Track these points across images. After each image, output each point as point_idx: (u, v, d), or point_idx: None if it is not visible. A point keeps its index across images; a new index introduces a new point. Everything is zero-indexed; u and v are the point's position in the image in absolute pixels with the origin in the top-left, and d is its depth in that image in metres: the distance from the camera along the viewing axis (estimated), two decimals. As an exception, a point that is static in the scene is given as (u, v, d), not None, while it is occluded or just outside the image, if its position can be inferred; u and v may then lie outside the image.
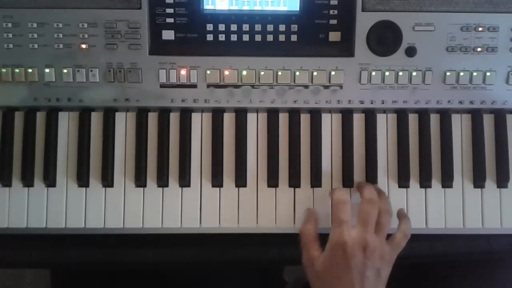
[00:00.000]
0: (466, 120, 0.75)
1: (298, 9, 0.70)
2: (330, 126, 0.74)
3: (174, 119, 0.74)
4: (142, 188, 0.72)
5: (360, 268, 0.62)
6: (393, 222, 0.69)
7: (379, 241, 0.65)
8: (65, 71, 0.70)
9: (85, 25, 0.69)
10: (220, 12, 0.70)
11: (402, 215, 0.71)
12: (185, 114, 0.73)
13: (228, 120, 0.74)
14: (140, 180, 0.72)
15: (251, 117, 0.74)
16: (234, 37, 0.71)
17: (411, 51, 0.71)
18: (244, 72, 0.71)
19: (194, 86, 0.72)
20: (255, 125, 0.74)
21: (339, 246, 0.63)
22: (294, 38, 0.71)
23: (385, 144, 0.74)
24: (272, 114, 0.74)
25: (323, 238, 0.67)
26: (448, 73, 0.72)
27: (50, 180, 0.72)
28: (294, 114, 0.74)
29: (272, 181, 0.73)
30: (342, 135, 0.74)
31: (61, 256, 0.73)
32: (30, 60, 0.70)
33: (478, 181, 0.73)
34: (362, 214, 0.65)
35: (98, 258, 0.73)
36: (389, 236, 0.67)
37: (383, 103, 0.73)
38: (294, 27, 0.71)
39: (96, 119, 0.73)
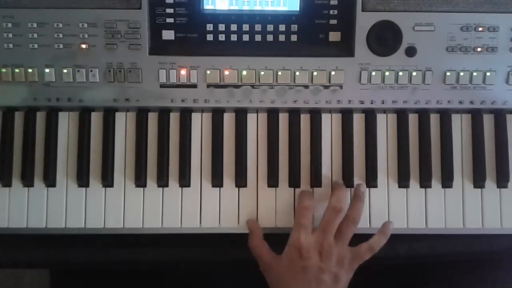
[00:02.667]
0: (466, 120, 0.75)
1: (298, 9, 0.70)
2: (330, 126, 0.74)
3: (174, 119, 0.74)
4: (142, 188, 0.72)
5: (316, 271, 0.65)
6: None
7: (338, 247, 0.67)
8: (65, 71, 0.70)
9: (85, 25, 0.69)
10: (220, 12, 0.70)
11: (382, 229, 0.71)
12: (185, 114, 0.73)
13: (228, 120, 0.74)
14: (140, 180, 0.72)
15: (251, 117, 0.74)
16: (234, 37, 0.71)
17: (411, 51, 0.71)
18: (244, 72, 0.71)
19: (194, 86, 0.72)
20: (255, 125, 0.74)
21: (295, 248, 0.66)
22: (294, 38, 0.71)
23: (385, 144, 0.74)
24: (272, 114, 0.74)
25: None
26: (448, 73, 0.72)
27: (50, 180, 0.72)
28: (294, 114, 0.74)
29: (272, 181, 0.73)
30: (342, 135, 0.74)
31: (61, 256, 0.73)
32: (30, 60, 0.70)
33: (478, 181, 0.73)
34: (323, 220, 0.68)
35: (98, 258, 0.73)
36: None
37: (383, 103, 0.73)
38: (294, 27, 0.71)
39: (96, 119, 0.73)
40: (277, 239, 0.69)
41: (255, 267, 0.70)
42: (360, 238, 0.70)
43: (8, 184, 0.72)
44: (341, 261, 0.66)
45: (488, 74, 0.72)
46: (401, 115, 0.74)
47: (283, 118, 0.74)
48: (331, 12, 0.71)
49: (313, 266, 0.65)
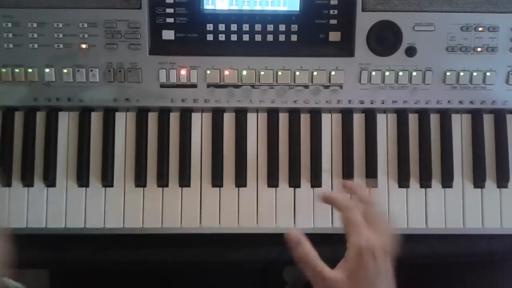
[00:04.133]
0: (466, 120, 0.75)
1: (298, 9, 0.70)
2: (330, 126, 0.74)
3: (174, 119, 0.74)
4: (142, 188, 0.72)
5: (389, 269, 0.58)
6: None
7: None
8: (65, 71, 0.70)
9: (85, 25, 0.69)
10: (220, 12, 0.70)
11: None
12: (185, 114, 0.73)
13: (228, 120, 0.74)
14: (140, 180, 0.72)
15: (251, 117, 0.74)
16: (234, 37, 0.71)
17: (411, 51, 0.71)
18: (244, 72, 0.71)
19: (194, 86, 0.72)
20: (255, 125, 0.74)
21: (368, 250, 0.56)
22: (294, 38, 0.71)
23: (385, 144, 0.74)
24: (272, 114, 0.74)
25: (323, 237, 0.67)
26: (448, 73, 0.72)
27: (50, 180, 0.72)
28: (294, 114, 0.74)
29: (272, 181, 0.73)
30: (342, 135, 0.74)
31: (61, 256, 0.73)
32: (30, 60, 0.70)
33: (478, 181, 0.73)
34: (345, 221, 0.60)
35: (98, 258, 0.73)
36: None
37: (383, 103, 0.73)
38: (294, 27, 0.71)
39: (96, 119, 0.73)
40: (278, 239, 0.69)
41: (255, 267, 0.70)
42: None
43: (8, 184, 0.72)
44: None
45: (488, 74, 0.72)
46: (401, 115, 0.74)
47: (283, 118, 0.74)
48: (331, 12, 0.71)
49: (387, 264, 0.57)
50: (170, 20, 0.70)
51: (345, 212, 0.60)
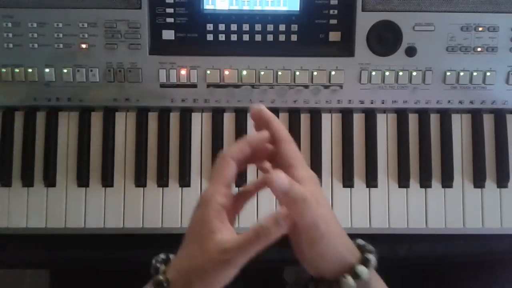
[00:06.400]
0: (466, 120, 0.75)
1: (298, 9, 0.70)
2: (330, 126, 0.74)
3: (174, 119, 0.74)
4: (142, 188, 0.72)
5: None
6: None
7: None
8: (65, 71, 0.70)
9: (85, 25, 0.69)
10: (220, 12, 0.70)
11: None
12: (185, 114, 0.73)
13: (228, 120, 0.74)
14: (140, 180, 0.72)
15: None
16: (234, 37, 0.71)
17: (411, 51, 0.71)
18: (244, 72, 0.71)
19: (194, 86, 0.72)
20: (255, 125, 0.74)
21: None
22: (294, 38, 0.71)
23: (385, 144, 0.74)
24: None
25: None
26: (448, 73, 0.72)
27: (50, 180, 0.72)
28: (294, 114, 0.74)
29: (272, 181, 0.72)
30: (342, 135, 0.74)
31: (61, 256, 0.73)
32: (30, 60, 0.70)
33: (478, 181, 0.73)
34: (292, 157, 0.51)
35: (98, 258, 0.73)
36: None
37: (383, 103, 0.73)
38: (294, 27, 0.71)
39: (96, 119, 0.73)
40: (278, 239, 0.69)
41: (255, 267, 0.70)
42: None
43: (8, 184, 0.72)
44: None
45: (488, 74, 0.72)
46: (401, 115, 0.74)
47: (283, 118, 0.74)
48: (331, 12, 0.71)
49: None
50: (170, 20, 0.70)
51: (286, 143, 0.51)
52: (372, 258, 0.48)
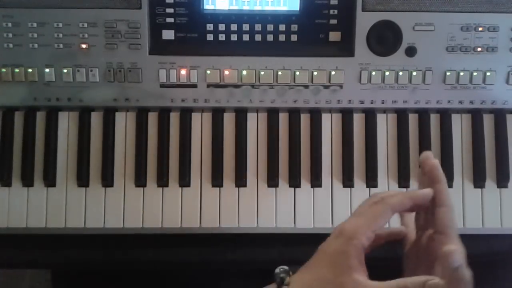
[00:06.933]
0: (466, 120, 0.75)
1: (298, 9, 0.70)
2: (330, 126, 0.74)
3: (174, 119, 0.74)
4: (142, 188, 0.72)
5: None
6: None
7: None
8: (65, 71, 0.70)
9: (85, 25, 0.69)
10: (220, 12, 0.70)
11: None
12: (185, 114, 0.73)
13: (228, 120, 0.74)
14: (140, 180, 0.72)
15: (251, 117, 0.74)
16: (234, 37, 0.71)
17: (411, 51, 0.71)
18: (244, 72, 0.71)
19: (194, 86, 0.72)
20: (255, 125, 0.74)
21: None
22: (294, 38, 0.71)
23: (385, 144, 0.74)
24: (272, 114, 0.74)
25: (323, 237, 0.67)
26: (448, 73, 0.72)
27: (50, 180, 0.72)
28: (294, 114, 0.74)
29: (272, 181, 0.72)
30: (342, 135, 0.74)
31: (61, 256, 0.73)
32: (30, 60, 0.70)
33: (478, 181, 0.73)
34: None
35: (98, 258, 0.73)
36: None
37: (383, 103, 0.73)
38: (294, 27, 0.71)
39: (96, 119, 0.73)
40: (278, 239, 0.69)
41: (255, 267, 0.70)
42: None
43: (8, 184, 0.72)
44: None
45: (488, 74, 0.72)
46: (401, 115, 0.74)
47: (283, 118, 0.74)
48: (331, 12, 0.71)
49: None
50: (170, 20, 0.70)
51: (448, 208, 0.51)
52: None
